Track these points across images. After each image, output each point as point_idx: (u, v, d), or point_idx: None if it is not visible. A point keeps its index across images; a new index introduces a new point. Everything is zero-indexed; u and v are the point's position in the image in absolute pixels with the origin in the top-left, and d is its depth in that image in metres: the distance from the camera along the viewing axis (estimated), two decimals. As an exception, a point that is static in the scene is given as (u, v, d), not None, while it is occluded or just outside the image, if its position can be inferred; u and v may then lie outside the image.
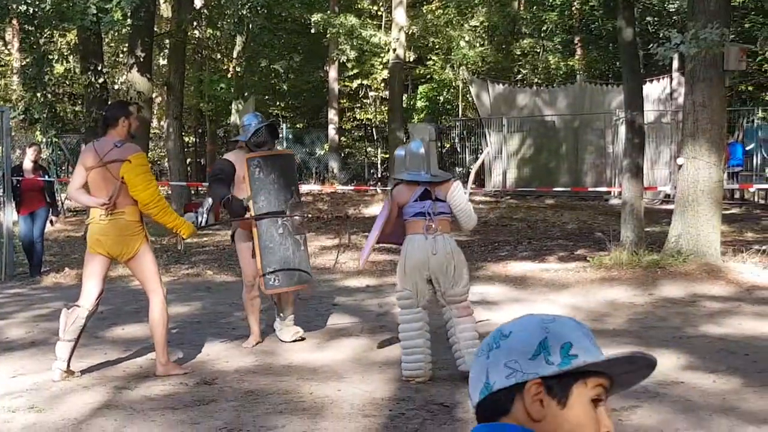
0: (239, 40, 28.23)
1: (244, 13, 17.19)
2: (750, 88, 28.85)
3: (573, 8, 32.02)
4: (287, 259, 7.79)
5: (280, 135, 32.85)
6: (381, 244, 7.67)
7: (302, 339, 8.11)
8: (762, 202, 22.53)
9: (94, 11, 15.52)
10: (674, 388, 6.33)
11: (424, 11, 31.58)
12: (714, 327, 8.53)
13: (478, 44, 29.73)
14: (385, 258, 14.00)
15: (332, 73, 28.68)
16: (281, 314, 8.22)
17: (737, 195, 23.50)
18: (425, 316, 6.75)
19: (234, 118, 30.69)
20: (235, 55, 30.16)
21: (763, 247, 12.23)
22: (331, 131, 29.95)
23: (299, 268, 7.88)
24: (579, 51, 32.09)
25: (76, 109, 34.21)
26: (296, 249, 7.87)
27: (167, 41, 25.51)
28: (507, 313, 9.37)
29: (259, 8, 17.45)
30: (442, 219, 6.72)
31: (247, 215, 7.77)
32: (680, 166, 11.88)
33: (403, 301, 6.74)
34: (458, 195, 6.72)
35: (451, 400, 6.16)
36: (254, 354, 7.72)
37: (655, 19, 28.43)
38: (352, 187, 25.42)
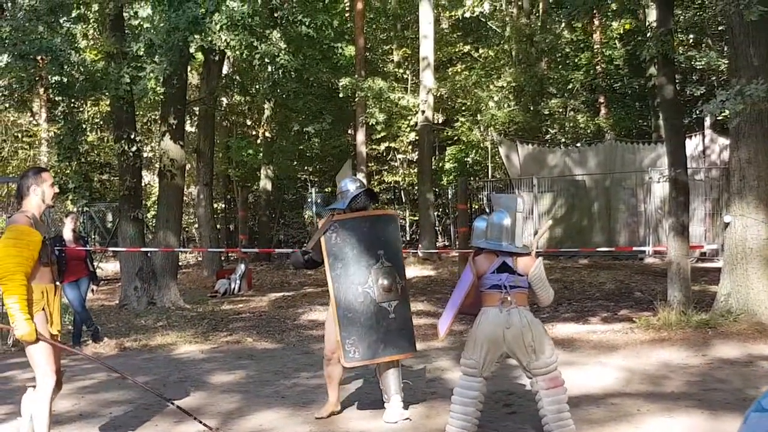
0: (268, 105, 28.38)
1: (277, 76, 17.23)
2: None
3: (598, 67, 32.12)
4: (369, 330, 7.40)
5: (309, 200, 32.90)
6: (461, 314, 7.23)
7: (407, 419, 7.52)
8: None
9: (128, 80, 15.59)
10: (748, 453, 6.09)
11: (450, 73, 31.71)
12: (777, 388, 8.29)
13: (505, 105, 29.75)
14: (426, 321, 13.83)
15: (360, 136, 28.69)
16: (384, 392, 7.66)
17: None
18: (483, 387, 6.70)
19: (263, 183, 30.77)
20: (264, 120, 30.30)
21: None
22: (360, 195, 29.96)
23: (385, 338, 7.45)
24: (603, 110, 32.11)
25: (104, 177, 34.49)
26: (382, 318, 7.43)
27: (196, 108, 25.66)
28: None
29: (292, 72, 17.47)
30: (519, 293, 6.60)
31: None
32: (727, 224, 11.71)
33: (467, 368, 6.67)
34: (540, 272, 6.60)
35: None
36: (310, 423, 7.54)
37: (680, 76, 28.39)
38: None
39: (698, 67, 27.68)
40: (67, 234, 12.94)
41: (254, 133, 32.68)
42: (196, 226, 29.68)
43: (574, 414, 6.86)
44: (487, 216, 6.94)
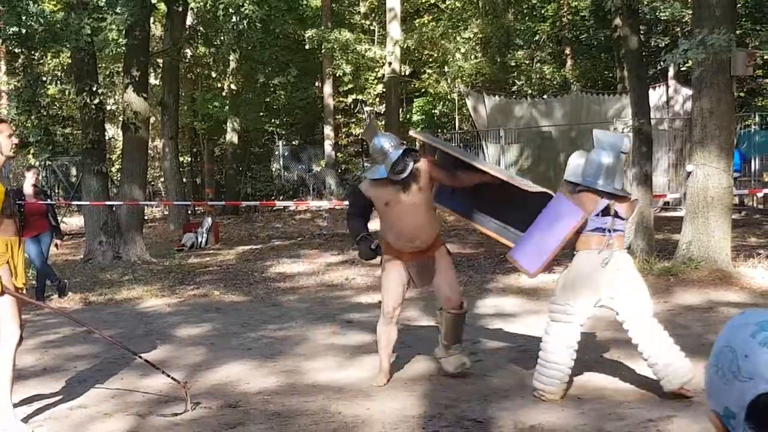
0: (233, 57, 28.16)
1: (243, 27, 17.04)
2: (742, 94, 28.85)
3: (564, 19, 32.11)
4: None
5: (276, 152, 32.80)
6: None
7: (467, 370, 7.15)
8: (761, 207, 22.46)
9: (89, 31, 15.34)
10: (707, 397, 6.19)
11: (417, 24, 31.58)
12: (737, 334, 8.40)
13: (472, 56, 29.70)
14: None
15: (327, 88, 28.62)
16: (444, 341, 7.18)
17: (735, 201, 23.39)
18: (579, 336, 6.31)
19: (230, 136, 30.59)
20: (229, 72, 30.08)
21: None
22: (328, 147, 29.86)
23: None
24: (569, 61, 32.17)
25: (66, 131, 34.10)
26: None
27: (160, 60, 25.40)
28: (526, 325, 9.29)
29: (257, 23, 17.28)
30: (619, 236, 6.31)
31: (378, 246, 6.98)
32: (689, 173, 11.80)
33: (561, 315, 6.28)
34: (635, 216, 6.45)
35: (483, 415, 6.03)
36: (276, 374, 7.58)
37: (645, 27, 28.43)
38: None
39: (663, 18, 27.76)
40: (28, 188, 12.77)
41: (219, 85, 32.45)
42: (162, 179, 29.52)
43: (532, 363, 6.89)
44: (585, 153, 6.48)
